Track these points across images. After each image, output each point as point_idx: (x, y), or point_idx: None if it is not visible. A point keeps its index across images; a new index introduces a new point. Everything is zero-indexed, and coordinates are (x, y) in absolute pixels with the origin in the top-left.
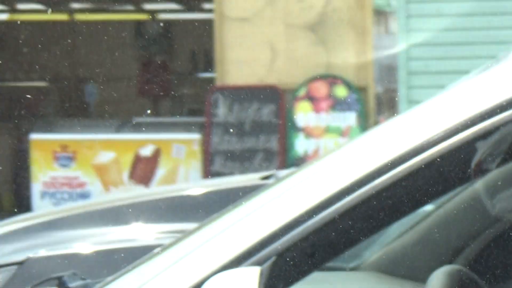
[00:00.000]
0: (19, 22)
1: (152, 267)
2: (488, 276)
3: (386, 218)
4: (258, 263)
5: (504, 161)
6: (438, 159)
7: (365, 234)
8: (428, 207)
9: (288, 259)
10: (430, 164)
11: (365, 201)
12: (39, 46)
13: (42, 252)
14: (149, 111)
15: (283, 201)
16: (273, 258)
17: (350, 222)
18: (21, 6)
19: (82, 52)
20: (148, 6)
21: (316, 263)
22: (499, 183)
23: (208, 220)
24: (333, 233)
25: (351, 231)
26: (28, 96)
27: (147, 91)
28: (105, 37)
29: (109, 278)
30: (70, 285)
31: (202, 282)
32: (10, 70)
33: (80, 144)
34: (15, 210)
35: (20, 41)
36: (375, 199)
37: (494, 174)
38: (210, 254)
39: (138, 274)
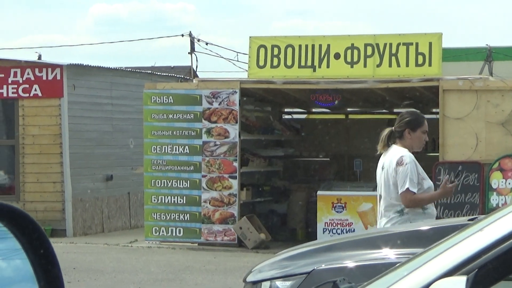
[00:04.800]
0: (313, 119)
1: (394, 275)
2: None
3: None
4: (466, 273)
5: None
6: None
7: None
8: None
9: (487, 271)
10: None
11: None
12: (325, 134)
13: (323, 266)
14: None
15: (483, 233)
16: (476, 270)
17: None
18: (314, 110)
19: (353, 139)
20: (396, 110)
21: (506, 274)
22: None
23: (432, 246)
24: None
25: None
26: (317, 167)
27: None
28: (368, 129)
29: (366, 283)
30: (341, 286)
31: (429, 284)
32: (306, 150)
33: (349, 198)
34: (306, 240)
35: (313, 131)
36: None
37: None
38: (433, 267)
39: (385, 280)
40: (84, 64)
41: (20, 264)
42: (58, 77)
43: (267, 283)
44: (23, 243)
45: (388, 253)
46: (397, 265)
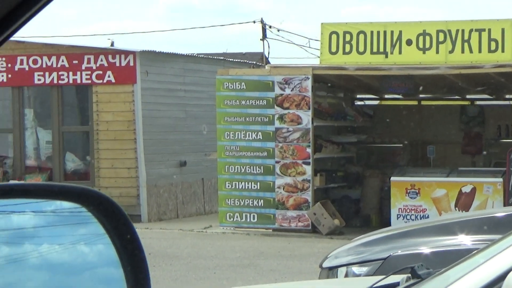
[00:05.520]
0: (385, 105)
1: (471, 262)
2: None
3: None
4: None
5: None
6: None
7: None
8: None
9: None
10: None
11: None
12: (398, 120)
13: (399, 252)
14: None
15: None
16: None
17: None
18: (386, 96)
19: (425, 125)
20: (469, 96)
21: None
22: None
23: (508, 233)
24: None
25: None
26: (390, 153)
27: (467, 151)
28: (440, 115)
29: (444, 269)
30: (419, 272)
31: (506, 273)
32: (379, 136)
33: (423, 184)
34: (380, 226)
35: (386, 117)
36: None
37: None
38: (510, 255)
39: (462, 267)
40: (157, 51)
41: (102, 249)
42: (131, 64)
43: (343, 269)
44: (109, 229)
45: (464, 240)
46: (473, 252)
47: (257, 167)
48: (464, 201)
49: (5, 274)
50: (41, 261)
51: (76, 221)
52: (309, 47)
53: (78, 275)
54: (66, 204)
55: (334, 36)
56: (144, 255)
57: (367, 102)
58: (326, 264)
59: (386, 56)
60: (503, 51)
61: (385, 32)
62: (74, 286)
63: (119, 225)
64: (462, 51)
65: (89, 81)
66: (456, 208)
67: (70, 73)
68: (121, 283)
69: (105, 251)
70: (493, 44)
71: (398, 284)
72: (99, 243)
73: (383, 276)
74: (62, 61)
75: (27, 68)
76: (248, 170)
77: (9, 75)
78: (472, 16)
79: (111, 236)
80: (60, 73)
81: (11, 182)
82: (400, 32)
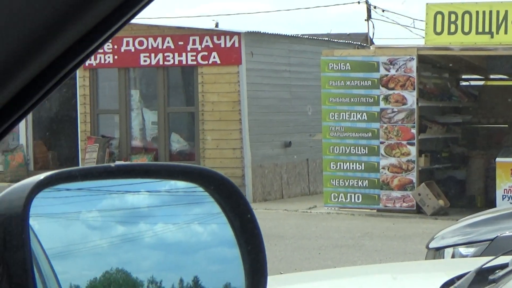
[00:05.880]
0: (490, 86)
1: None
2: None
3: None
4: None
5: None
6: None
7: None
8: None
9: None
10: None
11: None
12: (503, 101)
13: (507, 233)
14: None
15: None
16: None
17: None
18: (492, 76)
19: None
20: None
21: None
22: None
23: None
24: None
25: None
26: (495, 133)
27: None
28: None
29: None
30: None
31: None
32: (484, 116)
33: None
34: (485, 207)
35: (491, 98)
36: None
37: None
38: None
39: None
40: (262, 32)
41: (216, 228)
42: (236, 45)
43: (450, 250)
44: (229, 208)
45: None
46: None
47: (361, 147)
48: None
49: (120, 253)
50: (156, 241)
51: (190, 201)
52: (414, 28)
53: (192, 254)
54: (181, 184)
55: (439, 17)
56: (261, 234)
57: (472, 83)
58: (432, 244)
59: (492, 36)
60: None
61: (490, 12)
62: (188, 265)
63: (239, 205)
64: None
65: (195, 62)
66: None
67: (176, 54)
68: (236, 262)
69: (219, 231)
70: None
71: (507, 265)
72: (213, 222)
73: (492, 257)
74: (168, 42)
75: (133, 50)
76: (353, 151)
77: (116, 57)
78: None
79: (231, 216)
80: (165, 54)
81: (125, 162)
82: (506, 12)
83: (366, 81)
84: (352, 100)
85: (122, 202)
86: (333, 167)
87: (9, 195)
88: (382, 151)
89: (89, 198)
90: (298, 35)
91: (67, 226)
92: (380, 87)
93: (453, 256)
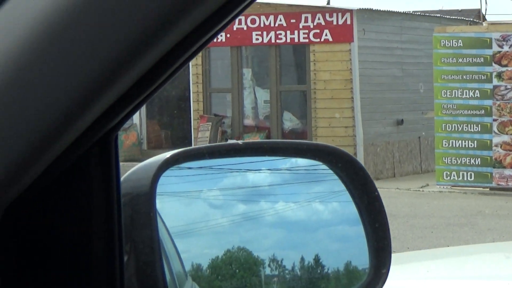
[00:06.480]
0: None
1: None
2: None
3: None
4: None
5: None
6: None
7: None
8: None
9: None
10: None
11: None
12: None
13: None
14: None
15: None
16: None
17: None
18: None
19: None
20: None
21: None
22: None
23: None
24: None
25: None
26: None
27: None
28: None
29: None
30: None
31: None
32: None
33: None
34: None
35: None
36: None
37: None
38: None
39: None
40: (374, 9)
41: (337, 206)
42: (348, 22)
43: None
44: (356, 186)
45: None
46: None
47: (474, 125)
48: None
49: (241, 231)
50: (277, 219)
51: (311, 179)
52: None
53: (313, 232)
54: (301, 161)
55: None
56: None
57: None
58: None
59: None
60: None
61: None
62: (309, 244)
63: (367, 182)
64: None
65: (307, 40)
66: None
67: (288, 32)
68: (359, 240)
69: (340, 209)
70: None
71: None
72: (334, 200)
73: None
74: (280, 20)
75: (245, 28)
76: (465, 128)
77: (228, 35)
78: None
79: (358, 194)
80: (277, 32)
81: (249, 140)
82: None
83: (478, 58)
84: (464, 77)
85: (243, 181)
86: (445, 145)
87: (136, 174)
88: (494, 129)
89: (211, 176)
90: (410, 11)
91: (189, 205)
92: (493, 64)
93: None
